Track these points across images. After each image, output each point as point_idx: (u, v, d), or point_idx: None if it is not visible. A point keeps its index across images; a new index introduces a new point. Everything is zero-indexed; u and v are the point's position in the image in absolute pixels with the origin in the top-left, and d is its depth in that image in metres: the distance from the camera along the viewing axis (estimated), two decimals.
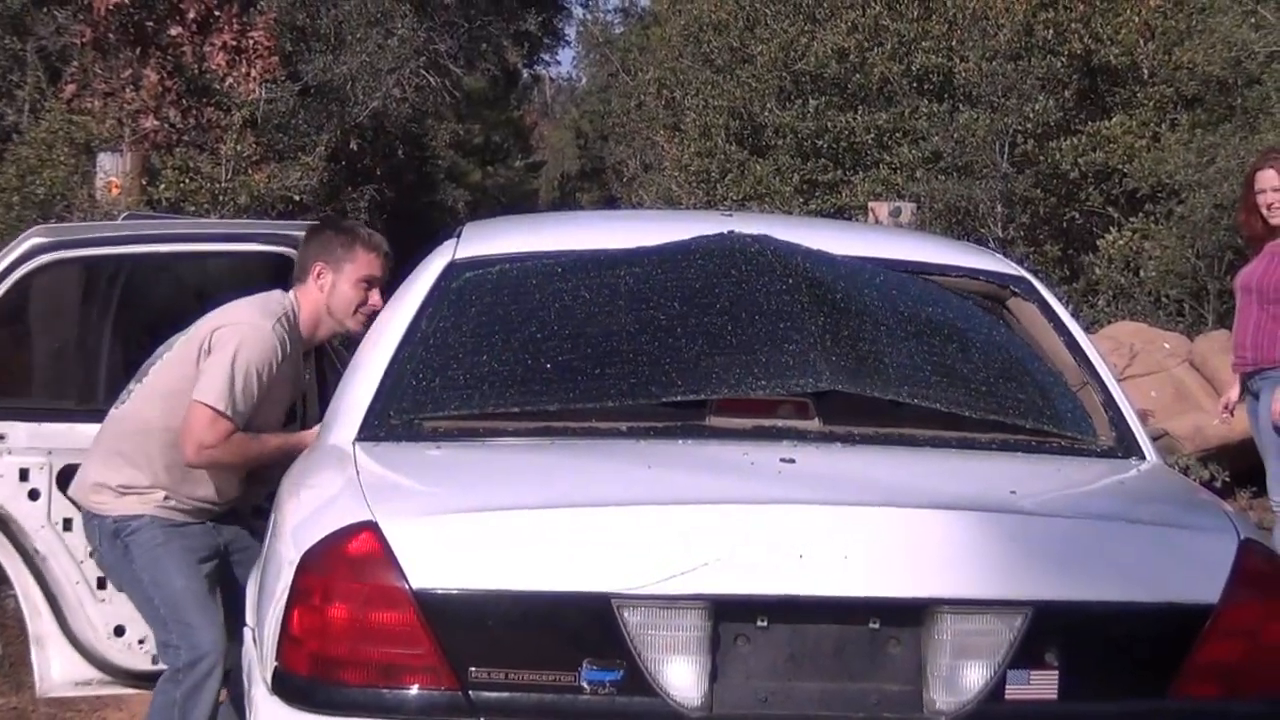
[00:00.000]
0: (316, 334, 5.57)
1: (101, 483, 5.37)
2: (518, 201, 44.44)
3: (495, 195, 43.66)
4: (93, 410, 5.83)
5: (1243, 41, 14.34)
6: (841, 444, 4.33)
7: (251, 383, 5.25)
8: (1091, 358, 4.87)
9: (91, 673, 5.83)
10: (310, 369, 5.73)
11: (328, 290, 5.47)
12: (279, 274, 6.06)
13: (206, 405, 5.19)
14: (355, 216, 20.69)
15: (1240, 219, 8.15)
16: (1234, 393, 8.31)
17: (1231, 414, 8.44)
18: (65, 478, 5.77)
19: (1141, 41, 17.49)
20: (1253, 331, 7.91)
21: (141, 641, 5.74)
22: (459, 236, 5.11)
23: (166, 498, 5.34)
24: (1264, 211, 7.80)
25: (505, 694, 3.65)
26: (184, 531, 5.38)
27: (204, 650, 5.23)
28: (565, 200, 50.21)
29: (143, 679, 5.83)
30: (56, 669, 5.86)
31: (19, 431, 5.81)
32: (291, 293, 5.51)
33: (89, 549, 5.78)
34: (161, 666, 5.66)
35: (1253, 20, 14.38)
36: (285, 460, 5.08)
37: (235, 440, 5.27)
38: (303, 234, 6.31)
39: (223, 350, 5.22)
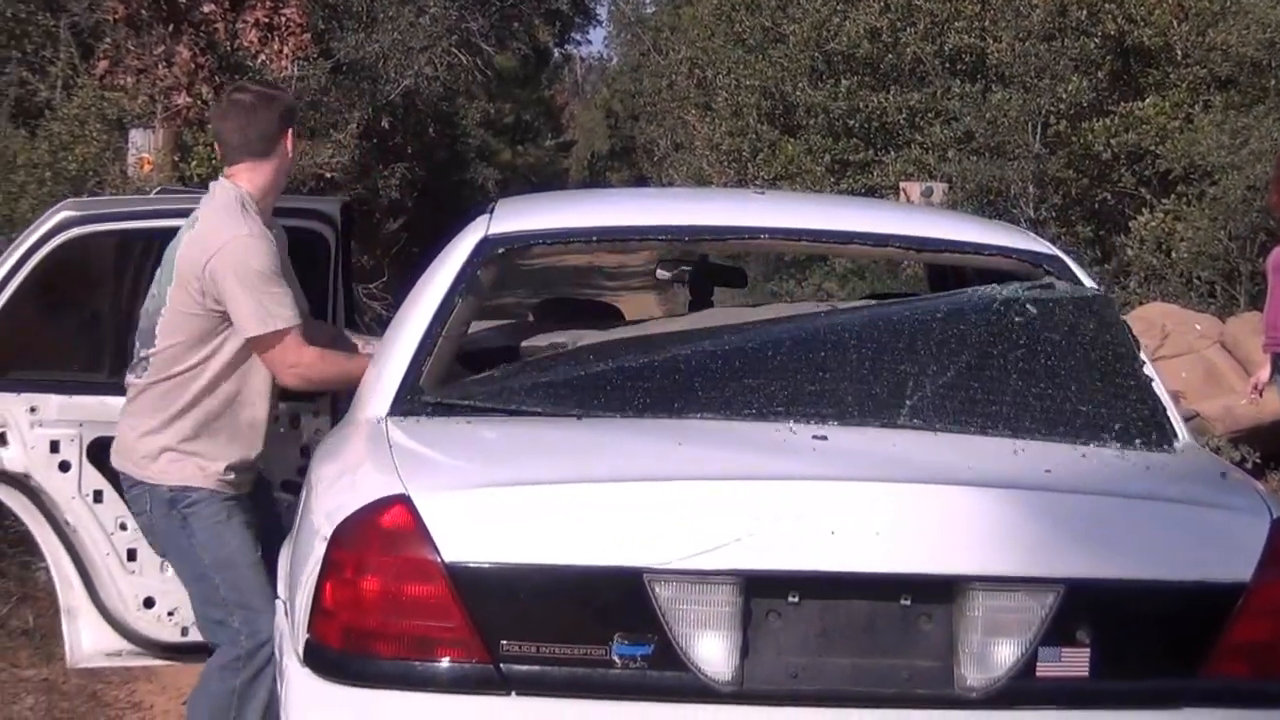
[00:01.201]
0: (272, 202, 5.42)
1: (152, 449, 5.25)
2: (548, 180, 44.55)
3: (525, 174, 43.75)
4: (120, 383, 5.85)
5: (1277, 22, 14.29)
6: (876, 424, 4.31)
7: (277, 284, 5.13)
8: (1125, 336, 4.85)
9: (121, 644, 5.84)
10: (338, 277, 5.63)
11: (281, 158, 5.37)
12: (308, 249, 6.06)
13: (264, 334, 5.10)
14: (386, 193, 20.76)
15: (1272, 200, 8.11)
16: (1264, 373, 8.28)
17: (1261, 394, 8.40)
18: (96, 450, 5.78)
19: (1175, 22, 17.43)
20: None
21: (171, 613, 5.74)
22: (492, 213, 5.08)
23: (226, 468, 5.24)
24: None
25: (536, 667, 3.66)
26: (241, 506, 5.30)
27: (266, 635, 5.05)
28: (595, 179, 50.32)
29: (172, 651, 5.85)
30: (87, 640, 5.87)
31: (50, 404, 5.81)
32: (233, 178, 5.32)
33: (117, 519, 5.78)
34: (190, 639, 5.68)
35: None
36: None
37: (326, 354, 5.24)
38: (334, 209, 6.33)
39: (229, 279, 5.08)
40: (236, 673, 5.21)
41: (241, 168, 5.32)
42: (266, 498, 5.59)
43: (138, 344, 5.35)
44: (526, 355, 5.21)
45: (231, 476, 5.27)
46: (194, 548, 5.24)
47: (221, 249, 5.12)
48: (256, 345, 5.16)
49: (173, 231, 5.61)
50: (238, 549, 5.24)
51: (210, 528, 5.22)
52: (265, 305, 5.09)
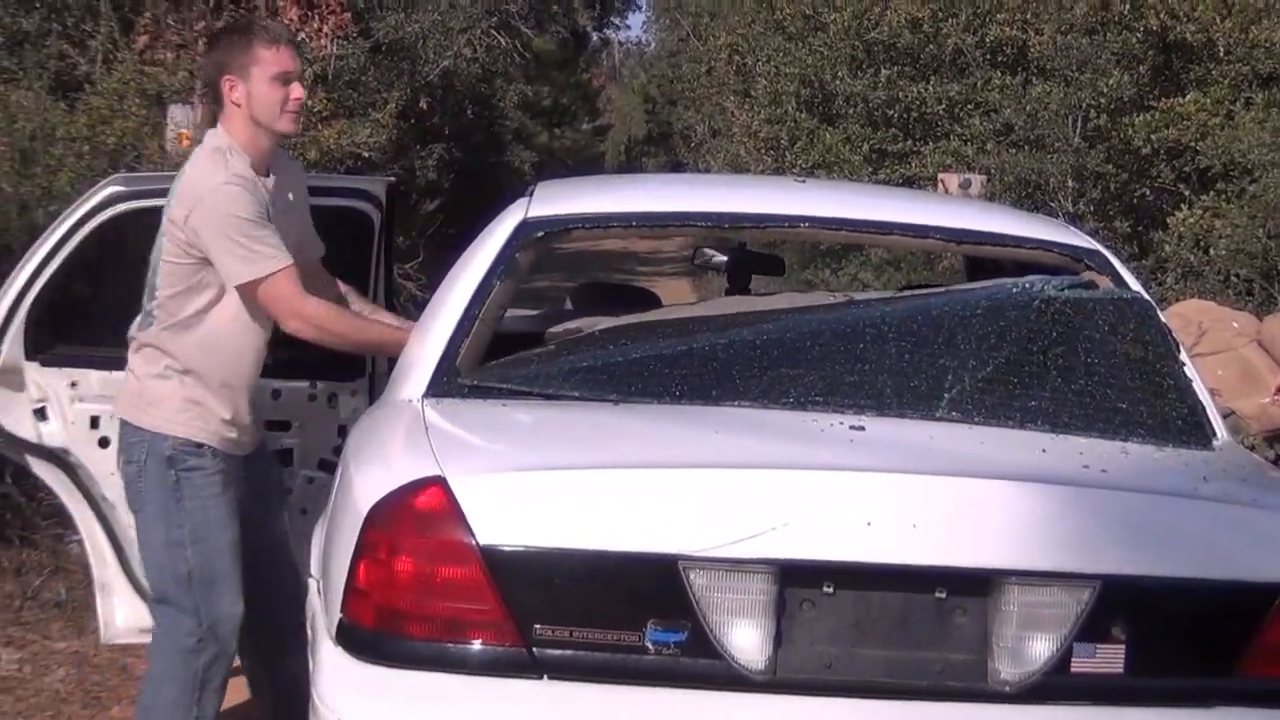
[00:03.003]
0: (260, 149, 5.17)
1: (157, 399, 5.13)
2: (584, 164, 44.59)
3: (562, 157, 43.76)
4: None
5: None
6: (914, 416, 4.31)
7: (260, 228, 4.98)
8: (1166, 333, 4.84)
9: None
10: (315, 238, 5.49)
11: (245, 101, 5.11)
12: (354, 228, 6.06)
13: (253, 280, 4.97)
14: (423, 174, 20.78)
15: None
16: None
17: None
18: None
19: (1218, 19, 17.35)
20: None
21: None
22: (531, 195, 5.08)
23: (223, 421, 5.14)
24: None
25: (569, 652, 3.67)
26: (234, 476, 5.18)
27: (224, 614, 5.08)
28: (631, 164, 50.37)
29: None
30: (120, 616, 5.88)
31: (90, 379, 5.81)
32: (219, 124, 5.22)
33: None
34: None
35: None
36: (382, 351, 5.11)
37: (332, 309, 5.12)
38: (380, 189, 6.29)
39: (208, 231, 4.96)
40: (190, 656, 5.09)
41: (221, 115, 5.22)
42: (264, 462, 5.48)
43: (145, 298, 5.23)
44: (563, 340, 5.21)
45: (234, 435, 5.18)
46: (178, 513, 5.09)
47: (199, 201, 5.00)
48: (249, 292, 5.03)
49: None
50: (220, 525, 5.11)
51: (201, 498, 5.10)
52: (251, 249, 4.96)
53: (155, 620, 5.26)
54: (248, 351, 5.17)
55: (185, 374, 5.12)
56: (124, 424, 5.22)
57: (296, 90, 5.16)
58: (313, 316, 5.05)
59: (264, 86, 5.09)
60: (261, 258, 4.98)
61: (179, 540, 5.10)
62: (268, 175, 5.20)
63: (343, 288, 5.49)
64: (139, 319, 5.24)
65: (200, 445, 5.11)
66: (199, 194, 5.02)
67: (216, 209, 4.97)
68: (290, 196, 5.34)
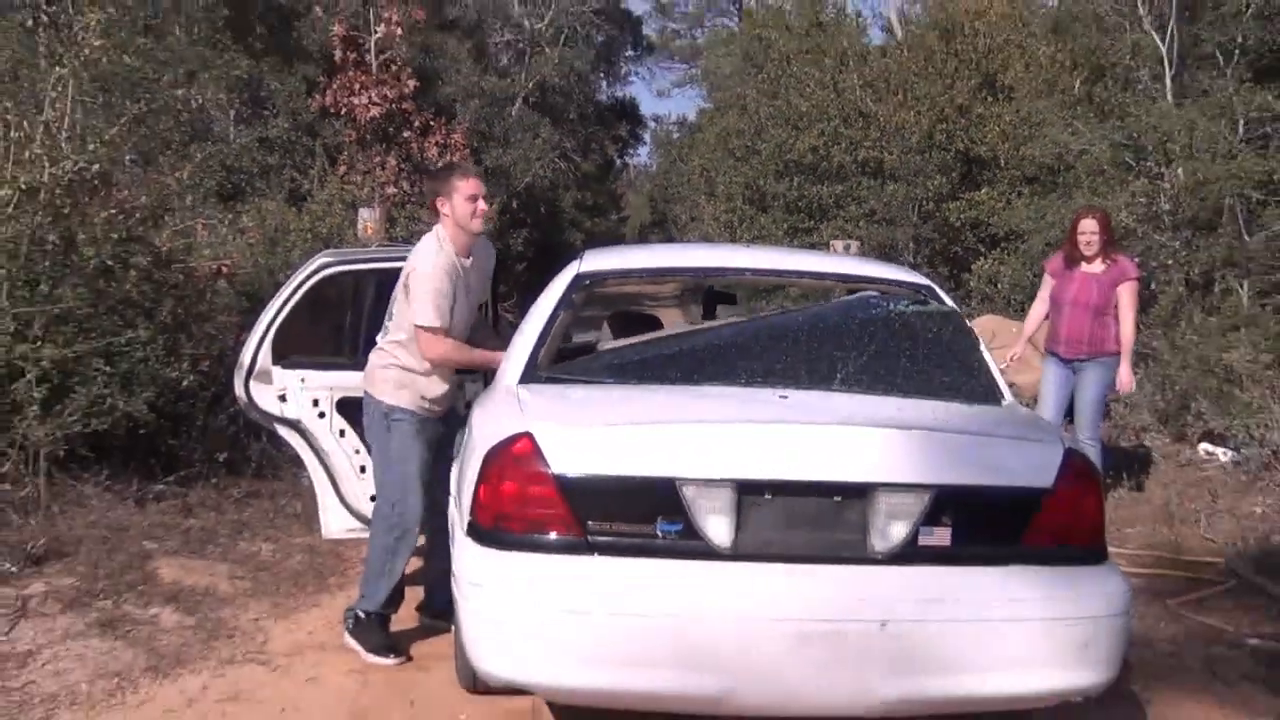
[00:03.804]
0: (461, 241, 5.15)
1: (384, 381, 5.14)
2: (613, 240, 44.41)
3: (599, 236, 43.66)
4: (355, 363, 5.85)
5: (1064, 143, 14.19)
6: (819, 388, 4.29)
7: (441, 297, 5.00)
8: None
9: (355, 523, 5.83)
10: (488, 290, 5.41)
11: (453, 211, 5.11)
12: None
13: (422, 326, 5.01)
14: (514, 247, 20.79)
15: (1065, 251, 7.82)
16: (1018, 349, 7.95)
17: (1012, 362, 7.92)
18: (341, 405, 5.78)
19: (1000, 142, 17.31)
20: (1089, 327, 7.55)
21: None
22: (581, 258, 5.07)
23: (422, 397, 5.15)
24: (1081, 247, 7.61)
25: (610, 538, 3.66)
26: (427, 426, 5.17)
27: (413, 513, 5.09)
28: (641, 238, 50.16)
29: None
30: (334, 522, 5.88)
31: (313, 376, 5.83)
32: (439, 224, 5.19)
33: (354, 448, 5.75)
34: None
35: (1070, 129, 14.20)
36: (484, 367, 5.05)
37: (453, 345, 5.07)
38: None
39: (416, 286, 5.00)
40: (390, 530, 5.13)
41: (440, 219, 5.20)
42: (456, 421, 5.35)
43: (386, 318, 5.24)
44: (601, 350, 5.20)
45: (428, 405, 5.16)
46: (389, 448, 5.13)
47: (415, 268, 5.04)
48: (417, 332, 5.05)
49: (387, 270, 5.59)
50: (414, 458, 5.10)
51: (403, 439, 5.10)
52: (427, 307, 4.98)
53: (375, 508, 5.26)
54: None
55: (402, 369, 5.13)
56: (365, 394, 5.23)
57: (482, 205, 5.14)
58: (434, 358, 5.08)
59: (461, 203, 5.10)
60: (427, 315, 5.00)
61: (389, 465, 5.13)
62: (468, 257, 5.19)
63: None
64: (381, 332, 5.25)
65: (404, 409, 5.12)
66: (418, 261, 5.05)
67: (422, 274, 5.01)
68: (479, 270, 5.30)
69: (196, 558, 6.36)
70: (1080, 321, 7.58)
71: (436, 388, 5.18)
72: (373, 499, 5.73)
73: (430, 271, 5.02)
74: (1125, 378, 7.56)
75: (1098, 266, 7.60)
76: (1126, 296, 7.51)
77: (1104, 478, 7.56)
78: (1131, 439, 9.91)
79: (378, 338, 5.27)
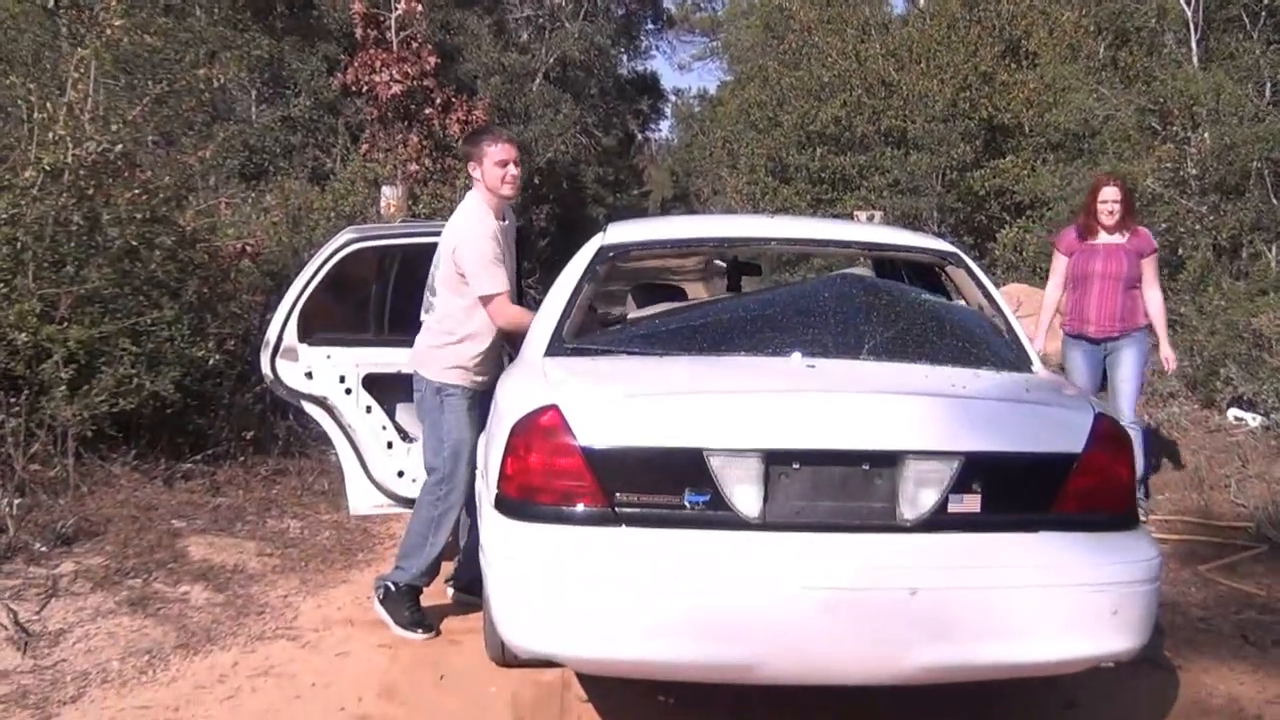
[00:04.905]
0: (495, 205, 5.16)
1: (434, 360, 5.13)
2: (634, 214, 44.41)
3: (621, 211, 43.61)
4: (381, 339, 5.82)
5: (1089, 108, 14.08)
6: (847, 357, 4.25)
7: (495, 263, 5.00)
8: (1000, 303, 4.78)
9: (382, 499, 5.83)
10: (511, 253, 5.35)
11: (483, 175, 5.12)
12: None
13: (487, 295, 5.00)
14: (537, 223, 20.75)
15: (1081, 221, 7.52)
16: (1040, 340, 7.49)
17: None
18: (367, 381, 5.77)
19: (1024, 109, 17.19)
20: (1115, 303, 7.15)
21: (414, 480, 5.72)
22: (605, 230, 5.05)
23: (472, 371, 5.12)
24: (1102, 216, 7.37)
25: (637, 509, 3.64)
26: (478, 400, 5.11)
27: (461, 489, 5.10)
28: (664, 212, 50.11)
29: (411, 503, 5.83)
30: (361, 498, 5.89)
31: (338, 353, 5.82)
32: (473, 189, 5.22)
33: (380, 423, 5.74)
34: None
35: (1095, 95, 14.09)
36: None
37: (521, 310, 5.06)
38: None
39: (468, 261, 4.99)
40: (435, 505, 5.14)
41: (474, 184, 5.20)
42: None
43: (428, 294, 5.23)
44: (627, 319, 5.17)
45: (479, 380, 5.12)
46: (442, 422, 5.10)
47: (463, 241, 5.03)
48: (481, 301, 5.04)
49: (410, 246, 5.55)
50: (467, 429, 5.08)
51: (455, 413, 5.09)
52: (486, 275, 4.99)
53: (424, 482, 5.25)
54: (487, 332, 5.12)
55: (455, 347, 5.11)
56: (415, 374, 5.22)
57: (512, 170, 5.12)
58: (505, 324, 5.04)
59: (491, 167, 5.09)
60: (490, 283, 4.99)
61: (441, 438, 5.12)
62: (503, 219, 5.19)
63: None
64: (425, 308, 5.23)
65: (455, 385, 5.10)
66: (464, 231, 5.05)
67: (471, 244, 5.00)
68: (509, 234, 5.28)
69: (225, 535, 6.38)
70: (1111, 296, 7.15)
71: (486, 361, 5.16)
72: (400, 474, 5.73)
73: (477, 242, 5.01)
74: (1169, 355, 7.21)
75: (1119, 237, 7.19)
76: (1152, 269, 7.16)
77: (1150, 459, 7.45)
78: (1161, 405, 9.83)
79: (423, 315, 5.25)
